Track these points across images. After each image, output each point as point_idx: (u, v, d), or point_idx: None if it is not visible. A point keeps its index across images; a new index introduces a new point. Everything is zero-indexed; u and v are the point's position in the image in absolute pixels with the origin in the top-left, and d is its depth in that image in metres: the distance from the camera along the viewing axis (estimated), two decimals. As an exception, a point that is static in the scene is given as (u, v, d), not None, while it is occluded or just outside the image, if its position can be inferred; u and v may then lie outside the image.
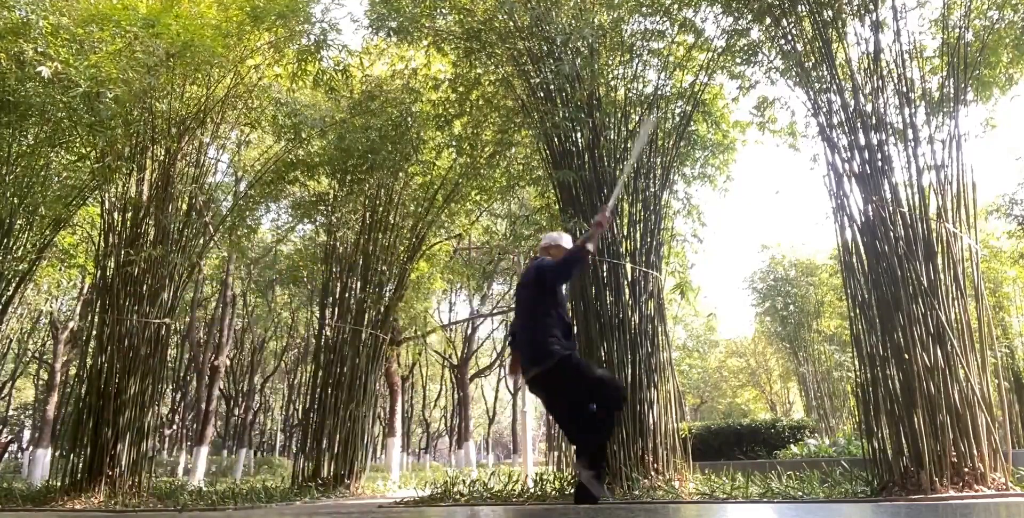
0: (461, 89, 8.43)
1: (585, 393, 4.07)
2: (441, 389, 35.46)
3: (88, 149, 8.40)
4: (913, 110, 6.12)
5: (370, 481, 10.04)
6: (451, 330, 27.58)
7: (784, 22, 6.78)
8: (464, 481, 6.92)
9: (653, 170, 7.54)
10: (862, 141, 6.09)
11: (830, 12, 6.47)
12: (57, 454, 14.19)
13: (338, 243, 9.51)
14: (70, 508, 6.94)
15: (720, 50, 7.72)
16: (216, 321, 21.25)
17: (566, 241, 4.57)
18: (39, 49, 6.76)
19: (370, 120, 8.88)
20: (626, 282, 6.95)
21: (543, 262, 4.34)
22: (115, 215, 8.28)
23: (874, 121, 6.10)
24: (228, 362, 25.43)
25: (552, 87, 7.39)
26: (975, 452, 5.17)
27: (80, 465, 7.38)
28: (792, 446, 11.70)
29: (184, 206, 8.55)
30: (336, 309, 9.36)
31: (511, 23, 7.62)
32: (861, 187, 6.03)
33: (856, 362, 5.94)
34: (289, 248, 16.38)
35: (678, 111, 7.99)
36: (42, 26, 6.59)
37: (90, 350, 8.03)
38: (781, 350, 29.50)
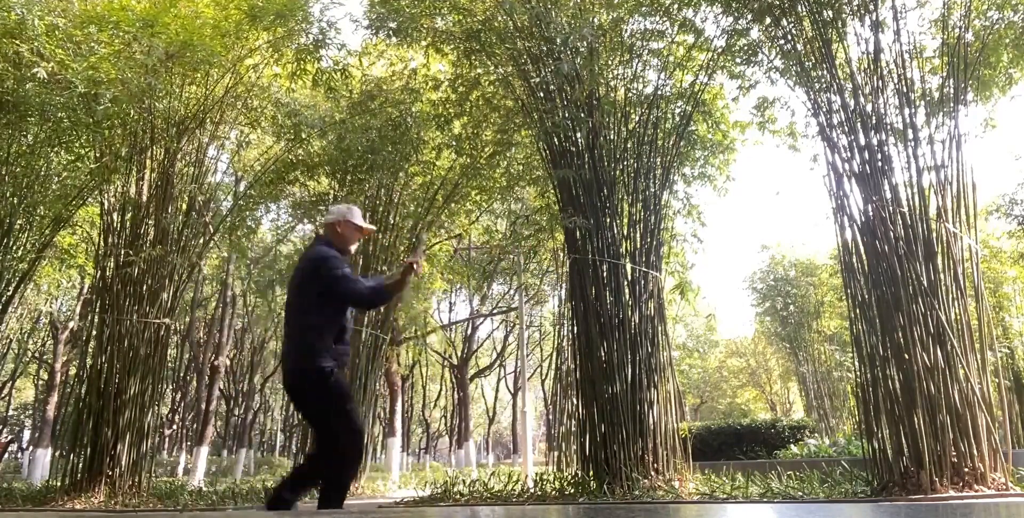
0: (461, 89, 8.43)
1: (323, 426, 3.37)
2: (441, 389, 35.46)
3: (87, 149, 8.40)
4: (913, 110, 6.12)
5: (370, 481, 10.04)
6: (451, 330, 27.59)
7: (784, 22, 6.78)
8: (464, 481, 6.93)
9: (653, 170, 7.54)
10: (862, 141, 6.09)
11: (830, 12, 6.47)
12: (57, 454, 14.20)
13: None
14: (70, 508, 6.94)
15: (720, 50, 7.72)
16: (216, 321, 21.25)
17: (356, 216, 3.65)
18: (36, 50, 6.76)
19: (370, 120, 8.88)
20: (626, 282, 6.94)
21: (323, 253, 3.47)
22: (115, 215, 8.28)
23: (874, 121, 6.10)
24: (228, 362, 25.43)
25: (552, 87, 7.39)
26: (975, 452, 5.17)
27: (80, 465, 7.38)
28: (792, 446, 11.70)
29: (184, 206, 8.55)
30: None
31: (511, 23, 7.61)
32: (861, 187, 6.03)
33: (856, 362, 5.94)
34: (289, 248, 16.39)
35: (678, 111, 7.99)
36: (38, 27, 6.57)
37: (90, 350, 8.03)
38: (781, 350, 29.50)
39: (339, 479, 3.35)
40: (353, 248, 3.74)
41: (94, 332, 8.03)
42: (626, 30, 7.78)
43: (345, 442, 3.31)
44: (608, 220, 7.09)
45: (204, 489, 8.70)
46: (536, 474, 6.96)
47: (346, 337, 3.47)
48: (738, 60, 7.85)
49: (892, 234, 5.73)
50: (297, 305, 3.46)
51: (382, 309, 9.39)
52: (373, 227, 3.98)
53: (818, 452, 10.56)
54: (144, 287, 7.94)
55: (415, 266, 3.45)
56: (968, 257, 5.94)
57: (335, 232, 3.60)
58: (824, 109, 6.46)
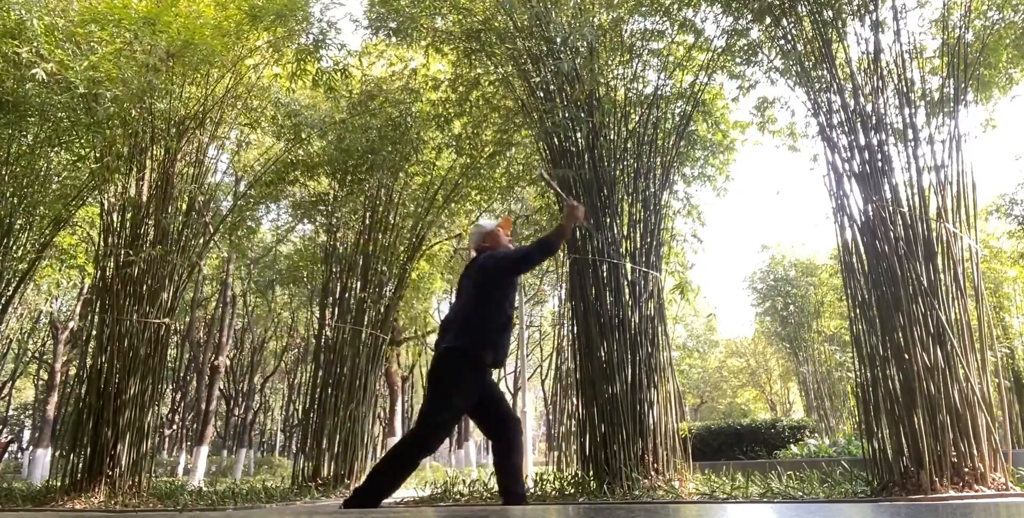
0: (461, 89, 8.43)
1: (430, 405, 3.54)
2: (441, 389, 35.36)
3: (87, 149, 8.40)
4: (913, 110, 6.12)
5: (370, 481, 10.02)
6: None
7: (784, 22, 6.78)
8: (464, 481, 6.93)
9: (653, 170, 7.54)
10: (862, 141, 6.09)
11: (830, 12, 6.47)
12: (57, 454, 14.19)
13: (338, 243, 9.51)
14: (70, 508, 6.94)
15: (720, 50, 7.72)
16: (216, 321, 21.25)
17: (489, 225, 4.23)
18: (35, 50, 6.76)
19: (370, 120, 8.88)
20: (626, 282, 6.94)
21: (491, 255, 3.95)
22: (115, 215, 8.28)
23: (874, 121, 6.10)
24: (228, 362, 25.43)
25: (552, 87, 7.39)
26: (975, 452, 5.17)
27: (80, 465, 7.38)
28: (792, 446, 11.72)
29: (184, 206, 8.55)
30: (336, 309, 9.35)
31: (511, 23, 7.61)
32: (861, 187, 6.03)
33: (856, 362, 5.94)
34: (289, 248, 16.40)
35: (678, 111, 7.99)
36: (37, 27, 6.58)
37: (90, 350, 8.03)
38: (781, 350, 29.50)
39: (393, 466, 3.46)
40: (510, 242, 4.23)
41: (94, 332, 8.03)
42: (626, 30, 7.78)
43: (426, 430, 3.47)
44: (608, 220, 7.09)
45: (204, 489, 8.70)
46: (536, 474, 6.96)
47: (509, 332, 3.76)
48: (738, 60, 7.85)
49: (892, 234, 5.73)
50: (474, 296, 3.79)
51: (382, 309, 9.40)
52: (505, 219, 4.47)
53: (818, 452, 10.57)
54: (144, 287, 7.94)
55: (574, 208, 3.83)
56: (968, 257, 5.94)
57: (485, 246, 4.10)
58: (824, 109, 6.46)
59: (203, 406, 17.77)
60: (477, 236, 4.18)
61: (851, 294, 6.03)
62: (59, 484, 7.48)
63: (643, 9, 7.59)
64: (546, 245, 3.84)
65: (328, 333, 9.18)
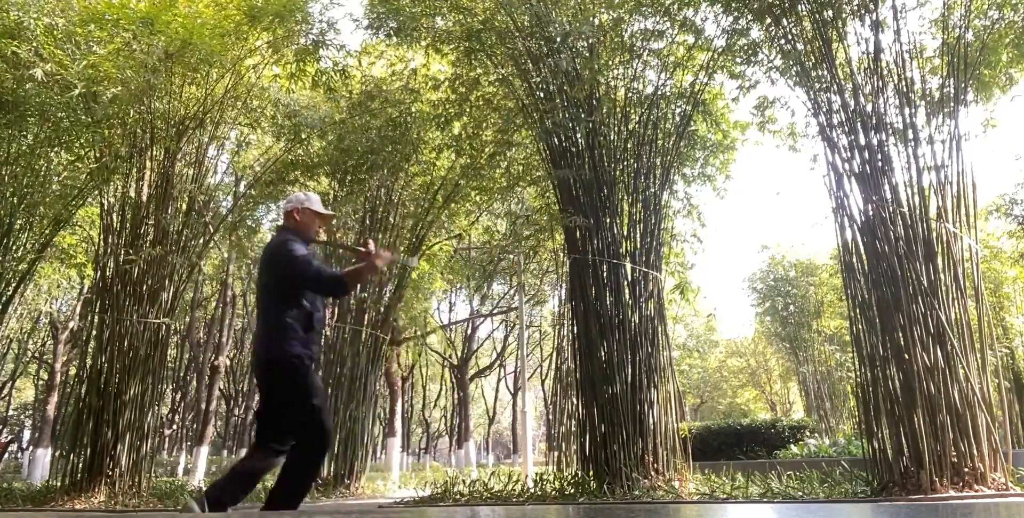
0: (461, 89, 8.43)
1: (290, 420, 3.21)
2: (441, 389, 35.45)
3: (87, 149, 8.39)
4: (913, 110, 6.12)
5: (370, 481, 10.03)
6: (451, 330, 27.57)
7: (784, 22, 6.78)
8: (464, 481, 6.92)
9: (653, 170, 7.54)
10: (862, 141, 6.09)
11: (830, 12, 6.47)
12: (57, 454, 14.17)
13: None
14: (70, 508, 6.94)
15: (720, 50, 7.72)
16: (216, 321, 21.25)
17: (315, 203, 3.60)
18: (35, 50, 6.76)
19: (370, 120, 8.88)
20: (626, 282, 6.94)
21: (281, 237, 3.46)
22: (115, 215, 8.28)
23: (874, 121, 6.10)
24: (228, 362, 25.43)
25: (552, 87, 7.39)
26: (975, 452, 5.17)
27: (80, 465, 7.38)
28: (792, 446, 11.71)
29: (184, 206, 8.55)
30: (336, 309, 9.35)
31: (511, 23, 7.61)
32: (861, 187, 6.03)
33: (856, 362, 5.94)
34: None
35: (678, 111, 7.98)
36: (36, 27, 6.57)
37: (90, 350, 8.03)
38: (781, 350, 29.49)
39: (296, 479, 3.16)
40: (315, 236, 3.66)
41: (94, 332, 8.03)
42: (626, 30, 7.78)
43: (310, 442, 3.15)
44: (608, 220, 7.09)
45: (204, 489, 8.69)
46: (536, 474, 6.96)
47: (316, 326, 3.32)
48: (738, 60, 7.85)
49: (892, 234, 5.73)
50: (263, 295, 3.38)
51: (382, 309, 9.39)
52: (333, 213, 3.86)
53: (818, 452, 10.57)
54: (144, 287, 7.94)
55: (371, 250, 3.38)
56: (968, 257, 5.94)
57: (293, 220, 3.54)
58: (824, 109, 6.46)
59: (203, 406, 17.77)
60: (287, 206, 3.61)
61: (851, 294, 6.03)
62: (59, 484, 7.48)
63: (643, 9, 7.58)
64: (337, 284, 3.34)
65: (328, 333, 9.17)
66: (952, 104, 6.23)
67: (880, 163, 5.96)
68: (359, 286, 3.56)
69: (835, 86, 6.34)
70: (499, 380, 34.88)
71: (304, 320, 3.27)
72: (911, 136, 6.06)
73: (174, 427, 29.70)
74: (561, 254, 8.24)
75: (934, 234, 5.78)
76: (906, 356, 5.42)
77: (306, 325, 3.26)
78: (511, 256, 15.70)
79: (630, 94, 7.77)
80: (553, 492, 6.28)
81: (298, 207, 3.55)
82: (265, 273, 3.41)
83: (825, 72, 6.43)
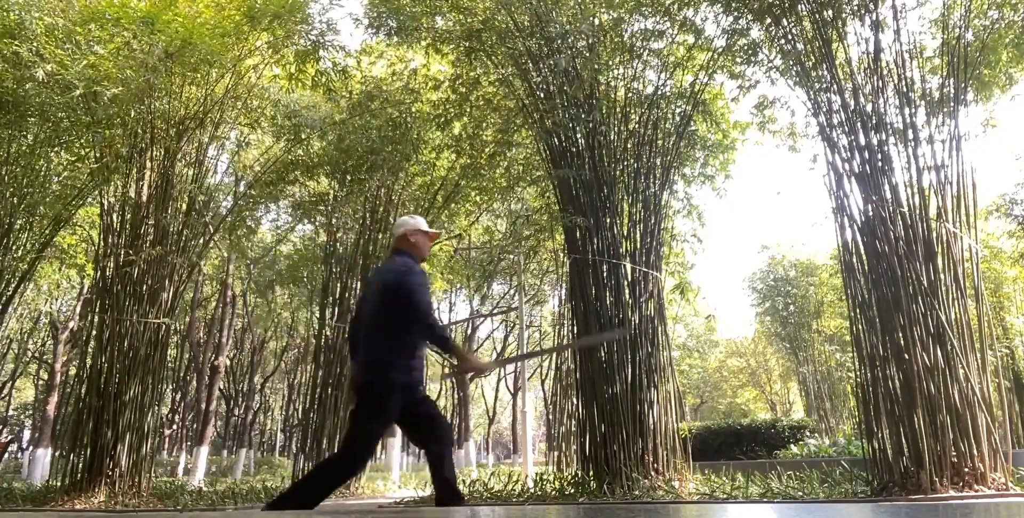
0: (461, 89, 8.43)
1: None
2: (441, 389, 35.45)
3: (87, 149, 8.40)
4: (913, 110, 6.12)
5: (370, 481, 10.04)
6: (451, 330, 27.58)
7: (784, 22, 6.78)
8: (464, 481, 6.92)
9: (653, 170, 7.54)
10: (862, 141, 6.09)
11: (830, 12, 6.47)
12: (57, 454, 14.20)
13: (338, 243, 9.51)
14: (70, 508, 6.94)
15: (720, 50, 7.72)
16: (216, 321, 21.24)
17: (423, 224, 3.71)
18: (35, 50, 6.76)
19: (370, 121, 8.88)
20: (626, 282, 6.94)
21: (408, 265, 3.49)
22: (115, 215, 8.28)
23: (874, 121, 6.10)
24: (228, 362, 25.43)
25: (552, 87, 7.39)
26: (975, 452, 5.17)
27: (80, 465, 7.38)
28: (792, 446, 11.71)
29: (184, 206, 8.55)
30: (336, 309, 9.35)
31: (511, 22, 7.61)
32: (861, 187, 6.03)
33: (856, 362, 5.94)
34: (289, 248, 16.39)
35: (678, 111, 7.99)
36: (36, 27, 6.57)
37: (90, 350, 8.02)
38: (781, 350, 29.50)
39: (322, 478, 3.29)
40: (428, 256, 3.80)
41: (94, 332, 8.03)
42: (626, 30, 7.78)
43: (351, 452, 3.29)
44: (608, 220, 7.09)
45: (204, 489, 8.70)
46: (536, 474, 6.96)
47: (420, 353, 3.43)
48: (738, 60, 7.85)
49: (892, 234, 5.73)
50: (377, 317, 3.41)
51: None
52: (438, 232, 4.04)
53: (818, 452, 10.57)
54: (144, 287, 7.94)
55: (468, 369, 3.73)
56: (968, 257, 5.94)
57: (410, 243, 3.61)
58: (824, 109, 6.46)
59: (203, 406, 17.77)
60: (399, 230, 3.66)
61: (851, 294, 6.03)
62: (59, 484, 7.48)
63: (643, 9, 7.59)
64: (442, 342, 3.42)
65: (328, 333, 9.17)
66: (952, 104, 6.23)
67: (880, 163, 5.96)
68: (451, 356, 3.73)
69: (835, 86, 6.34)
70: (499, 380, 34.89)
71: (410, 349, 3.36)
72: (911, 136, 6.06)
73: (174, 427, 29.70)
74: (561, 254, 8.24)
75: (934, 234, 5.78)
76: (906, 356, 5.42)
77: (411, 354, 3.36)
78: (511, 256, 15.71)
79: (630, 94, 7.77)
80: (553, 492, 6.28)
81: (412, 229, 3.62)
82: (381, 296, 3.42)
83: (825, 72, 6.43)
